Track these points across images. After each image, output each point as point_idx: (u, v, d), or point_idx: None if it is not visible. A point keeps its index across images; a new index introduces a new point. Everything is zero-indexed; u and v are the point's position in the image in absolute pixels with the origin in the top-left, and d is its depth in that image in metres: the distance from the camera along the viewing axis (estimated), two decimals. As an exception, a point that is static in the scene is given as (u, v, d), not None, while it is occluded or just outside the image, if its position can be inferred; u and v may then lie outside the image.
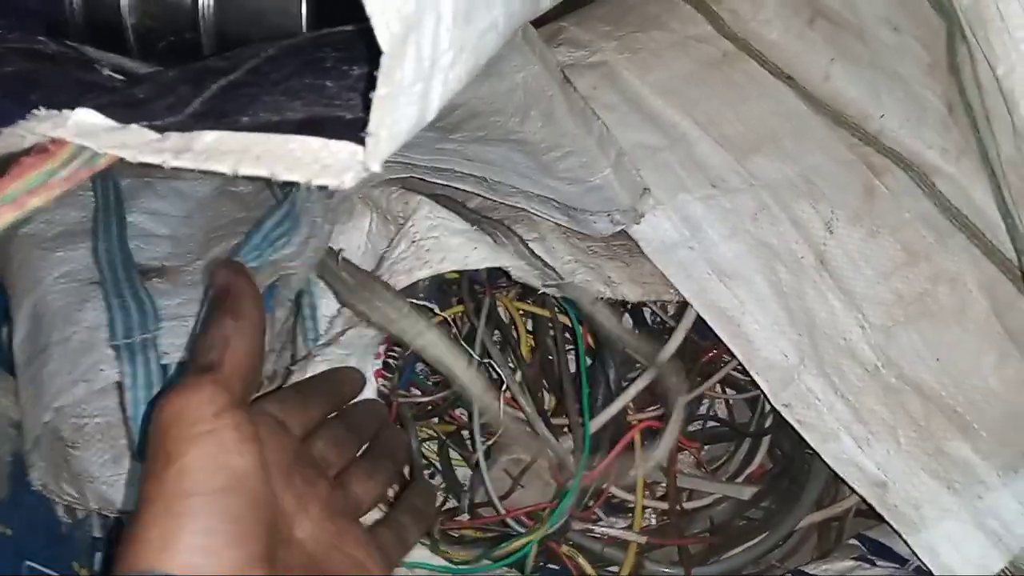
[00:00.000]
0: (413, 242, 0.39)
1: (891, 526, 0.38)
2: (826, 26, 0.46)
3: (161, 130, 0.21)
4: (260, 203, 0.45)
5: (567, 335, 0.48)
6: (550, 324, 0.46)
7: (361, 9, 0.41)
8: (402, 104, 0.18)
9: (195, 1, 0.41)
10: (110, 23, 0.41)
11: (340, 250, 0.39)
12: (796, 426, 0.39)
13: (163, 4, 0.41)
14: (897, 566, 0.40)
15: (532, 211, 0.39)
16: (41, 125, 0.22)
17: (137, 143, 0.20)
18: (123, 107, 0.23)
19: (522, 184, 0.38)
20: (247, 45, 0.40)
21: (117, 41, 0.42)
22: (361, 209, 0.40)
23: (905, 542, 0.38)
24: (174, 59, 0.42)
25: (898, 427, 0.40)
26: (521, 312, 0.47)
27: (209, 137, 0.20)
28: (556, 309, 0.46)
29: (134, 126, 0.21)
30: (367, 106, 0.22)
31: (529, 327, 0.48)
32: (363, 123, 0.20)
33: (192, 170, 0.50)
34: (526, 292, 0.47)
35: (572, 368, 0.47)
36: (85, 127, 0.21)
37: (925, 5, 0.44)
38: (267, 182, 0.44)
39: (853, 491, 0.40)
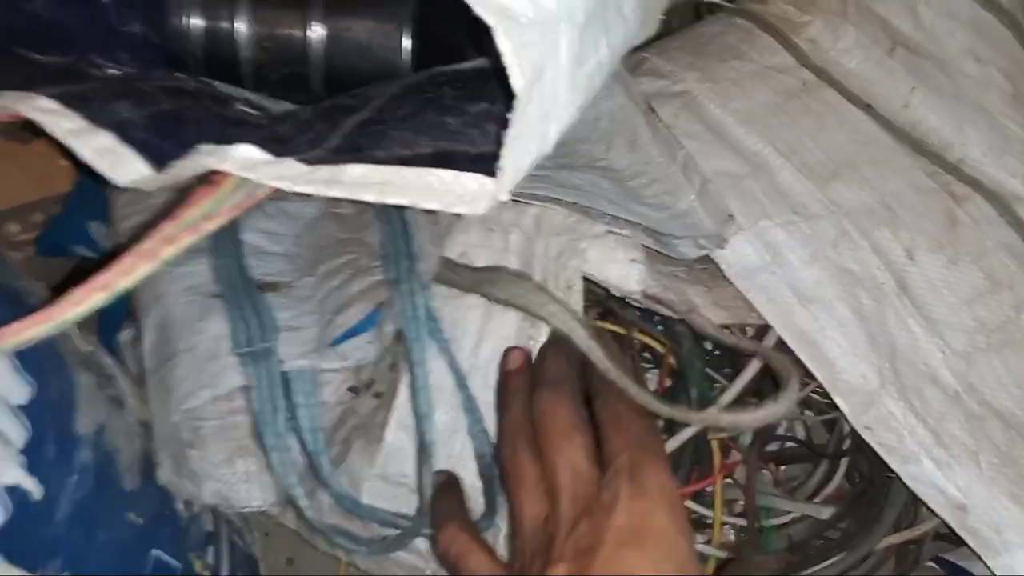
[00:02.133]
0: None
1: (971, 549, 0.39)
2: (906, 55, 0.47)
3: (310, 163, 0.24)
4: (361, 225, 0.49)
5: (647, 354, 0.50)
6: (630, 343, 0.48)
7: (461, 45, 0.44)
8: (527, 141, 0.21)
9: (306, 36, 0.44)
10: (226, 56, 0.45)
11: (461, 255, 0.42)
12: (877, 448, 0.40)
13: (276, 38, 0.44)
14: (977, 588, 0.40)
15: (626, 235, 0.41)
16: (207, 160, 0.25)
17: (292, 175, 0.23)
18: (273, 142, 0.26)
19: (611, 209, 0.41)
20: (353, 76, 0.44)
21: (232, 74, 0.45)
22: (462, 225, 0.43)
23: (985, 565, 0.39)
24: (284, 91, 0.45)
25: (980, 452, 0.40)
26: (603, 331, 0.49)
27: (356, 170, 0.22)
28: (636, 329, 0.48)
29: (288, 160, 0.24)
30: (486, 139, 0.25)
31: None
32: (485, 156, 0.22)
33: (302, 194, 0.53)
34: (606, 312, 0.49)
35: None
36: (246, 161, 0.24)
37: (1008, 37, 0.45)
38: (370, 206, 0.48)
39: (933, 514, 0.41)
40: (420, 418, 0.39)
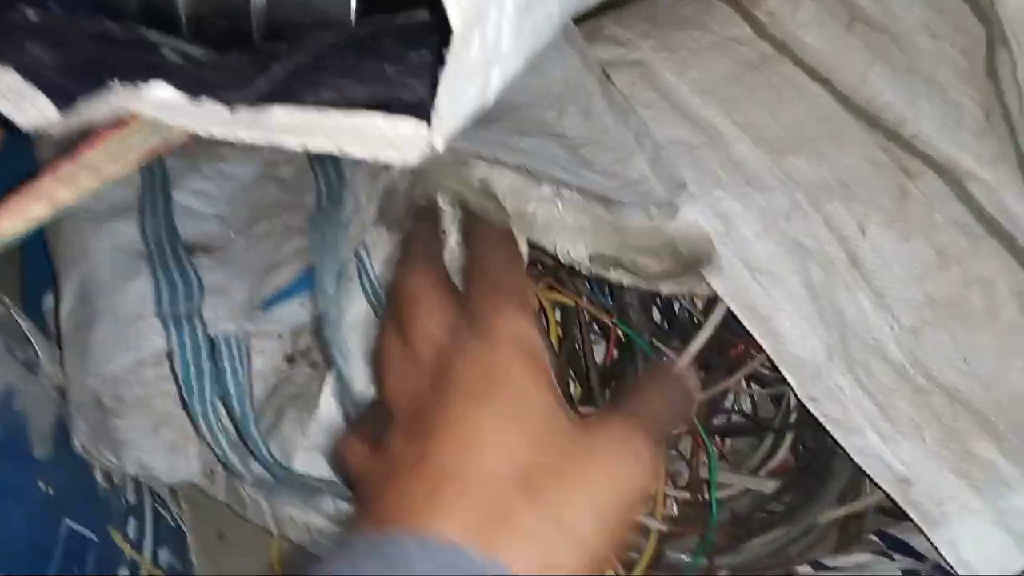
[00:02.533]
0: None
1: (913, 522, 0.39)
2: (864, 30, 0.46)
3: (231, 107, 0.22)
4: (301, 188, 0.46)
5: (595, 326, 0.49)
6: (578, 314, 0.47)
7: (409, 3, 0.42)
8: (466, 85, 0.19)
9: (247, -12, 0.42)
10: (163, 7, 0.42)
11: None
12: (823, 421, 0.40)
13: (215, -9, 0.42)
14: (915, 561, 0.40)
15: (573, 202, 0.39)
16: (118, 99, 0.23)
17: (209, 118, 0.21)
18: (194, 86, 0.24)
19: (561, 175, 0.39)
20: (296, 31, 0.42)
21: (170, 27, 0.43)
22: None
23: (927, 538, 0.39)
24: (224, 46, 0.43)
25: (924, 426, 0.40)
26: (551, 301, 0.48)
27: (279, 113, 0.21)
28: (586, 299, 0.47)
29: (206, 102, 0.22)
30: (426, 89, 0.23)
31: (557, 317, 0.49)
32: (423, 105, 0.21)
33: (238, 152, 0.51)
34: (557, 282, 0.48)
35: (599, 359, 0.48)
36: (159, 101, 0.22)
37: (965, 12, 0.44)
38: (310, 167, 0.46)
39: (876, 487, 0.41)
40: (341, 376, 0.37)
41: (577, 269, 0.42)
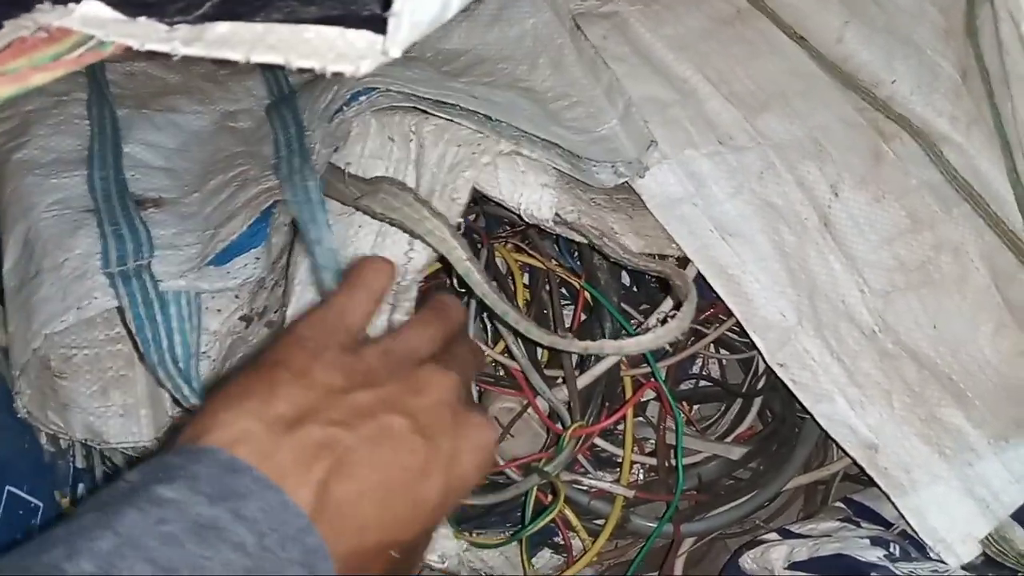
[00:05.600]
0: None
1: (880, 488, 0.38)
2: (842, -14, 0.45)
3: (170, 23, 0.20)
4: (259, 138, 0.45)
5: (563, 289, 0.48)
6: (547, 276, 0.46)
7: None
8: (425, -5, 0.18)
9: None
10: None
11: (347, 164, 0.38)
12: (790, 386, 0.39)
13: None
14: (882, 528, 0.40)
15: (535, 158, 0.38)
16: (46, 16, 0.21)
17: (145, 33, 0.20)
18: (132, 5, 0.22)
19: (527, 127, 0.38)
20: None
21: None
22: (360, 132, 0.39)
23: (893, 505, 0.38)
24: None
25: (892, 392, 0.40)
26: (519, 264, 0.47)
27: (222, 27, 0.19)
28: (554, 262, 0.46)
29: (142, 19, 0.20)
30: (379, 7, 0.21)
31: (526, 281, 0.47)
32: (377, 20, 0.19)
33: (192, 103, 0.48)
34: (525, 243, 0.46)
35: (567, 323, 0.47)
36: (92, 18, 0.21)
37: (947, -33, 0.43)
38: (267, 118, 0.44)
39: (844, 454, 0.40)
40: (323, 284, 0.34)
41: (544, 229, 0.41)
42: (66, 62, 0.19)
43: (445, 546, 0.42)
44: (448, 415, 0.24)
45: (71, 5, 0.22)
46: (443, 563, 0.42)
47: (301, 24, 0.18)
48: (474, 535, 0.44)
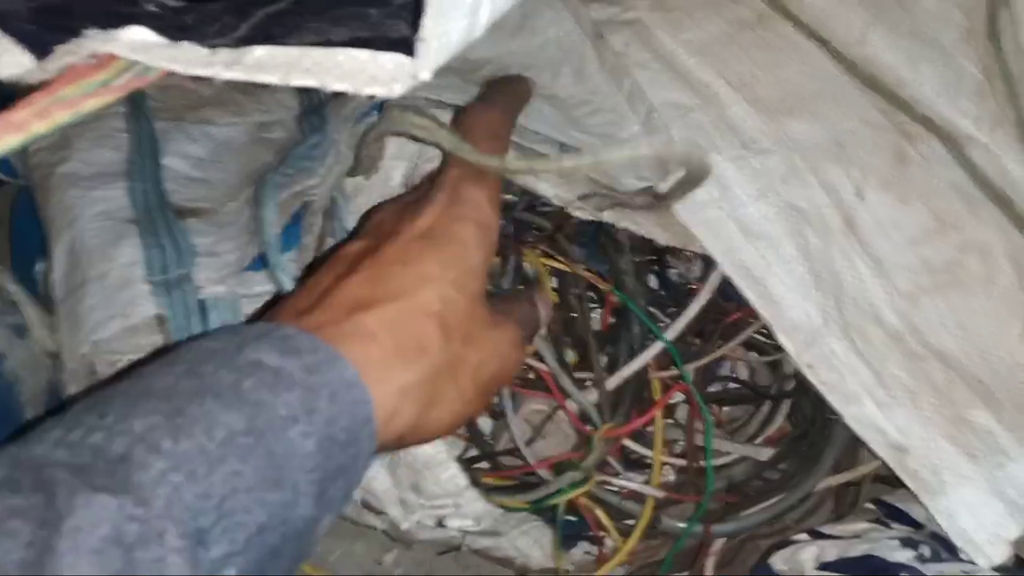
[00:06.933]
0: None
1: (909, 490, 0.38)
2: (865, -11, 0.45)
3: (210, 48, 0.22)
4: (293, 148, 0.46)
5: (591, 293, 0.49)
6: (575, 280, 0.46)
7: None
8: (453, 14, 0.19)
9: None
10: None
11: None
12: (818, 387, 0.39)
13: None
14: (912, 529, 0.40)
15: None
16: (92, 43, 0.22)
17: (188, 58, 0.21)
18: (173, 30, 0.23)
19: (551, 133, 0.39)
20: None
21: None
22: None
23: (923, 506, 0.38)
24: None
25: (920, 393, 0.40)
26: (547, 268, 0.47)
27: (259, 51, 0.20)
28: (583, 267, 0.46)
29: (185, 43, 0.21)
30: (409, 30, 0.22)
31: (554, 285, 0.48)
32: (406, 43, 0.20)
33: (226, 114, 0.50)
34: (553, 248, 0.47)
35: (595, 326, 0.48)
36: (137, 44, 0.22)
37: (967, -30, 0.43)
38: (299, 128, 0.45)
39: (873, 455, 0.40)
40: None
41: (568, 212, 0.41)
42: (114, 88, 0.20)
43: (476, 508, 0.42)
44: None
45: (117, 31, 0.23)
46: (478, 525, 0.42)
47: (333, 47, 0.19)
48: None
